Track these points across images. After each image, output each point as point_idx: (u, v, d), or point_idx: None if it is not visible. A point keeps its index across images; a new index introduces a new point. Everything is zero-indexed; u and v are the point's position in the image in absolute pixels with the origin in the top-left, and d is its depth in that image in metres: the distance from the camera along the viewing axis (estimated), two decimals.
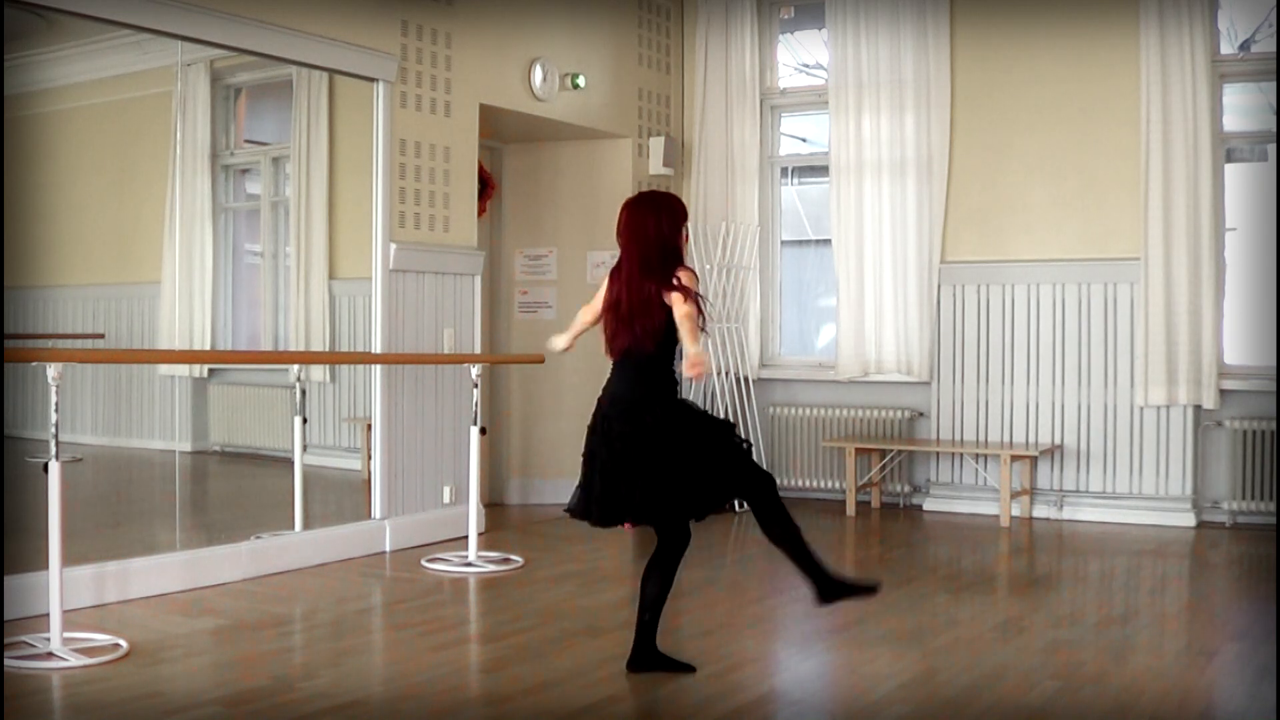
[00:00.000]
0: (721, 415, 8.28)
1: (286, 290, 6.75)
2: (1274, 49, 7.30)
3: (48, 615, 4.57)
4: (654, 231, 4.26)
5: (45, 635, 4.56)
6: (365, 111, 6.64)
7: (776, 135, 8.93)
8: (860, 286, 8.27)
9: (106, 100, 6.08)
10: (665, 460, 4.14)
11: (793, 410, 8.60)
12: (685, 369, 4.13)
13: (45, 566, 4.58)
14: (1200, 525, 7.53)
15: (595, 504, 4.23)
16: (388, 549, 6.66)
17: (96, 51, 5.82)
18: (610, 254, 4.64)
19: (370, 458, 6.73)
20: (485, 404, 7.03)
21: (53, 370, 4.48)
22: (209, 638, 4.89)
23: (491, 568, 6.25)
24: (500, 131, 8.09)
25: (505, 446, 8.46)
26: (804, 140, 9.20)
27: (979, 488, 8.05)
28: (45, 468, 4.49)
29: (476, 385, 6.44)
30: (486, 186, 8.12)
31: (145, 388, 6.20)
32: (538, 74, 7.58)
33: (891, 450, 8.22)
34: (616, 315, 4.26)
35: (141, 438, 6.20)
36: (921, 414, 8.25)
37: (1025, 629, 5.08)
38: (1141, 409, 7.64)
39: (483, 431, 6.50)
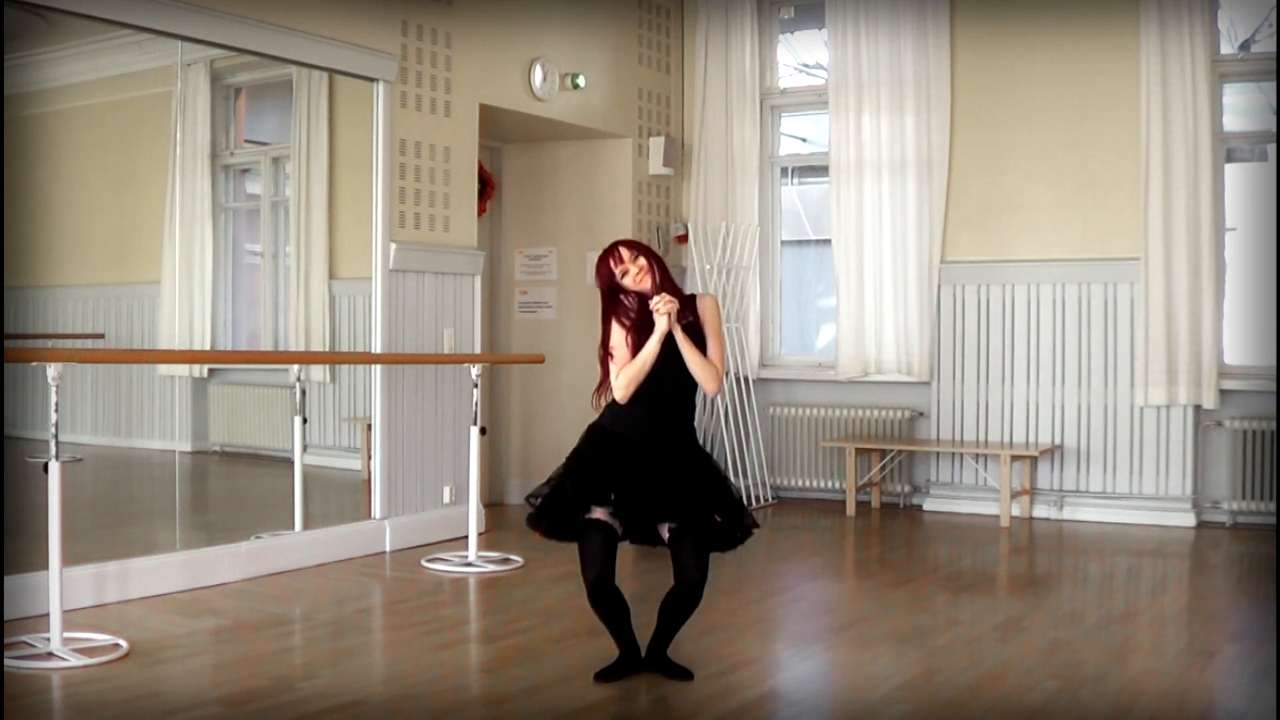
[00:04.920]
0: (721, 415, 8.29)
1: (286, 290, 6.75)
2: (1274, 49, 7.30)
3: (48, 615, 4.57)
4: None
5: (45, 635, 4.56)
6: (365, 111, 6.64)
7: (776, 135, 8.93)
8: (860, 286, 8.27)
9: (106, 100, 6.08)
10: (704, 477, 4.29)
11: (793, 410, 8.60)
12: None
13: (45, 566, 4.58)
14: (1200, 525, 7.52)
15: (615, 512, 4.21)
16: (388, 549, 6.66)
17: (96, 51, 5.82)
18: None
19: (370, 458, 6.73)
20: (485, 404, 7.03)
21: (53, 370, 4.48)
22: (209, 638, 4.89)
23: (491, 568, 6.25)
24: (500, 131, 8.09)
25: (505, 446, 8.46)
26: (804, 140, 9.20)
27: (979, 488, 8.05)
28: (45, 468, 4.49)
29: (476, 385, 6.44)
30: (486, 186, 8.12)
31: (145, 388, 6.20)
32: (538, 74, 7.58)
33: (891, 450, 8.22)
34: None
35: (141, 438, 6.20)
36: (921, 414, 8.25)
37: (1025, 629, 5.07)
38: (1141, 409, 7.64)
39: (483, 431, 6.50)
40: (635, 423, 4.26)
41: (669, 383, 4.27)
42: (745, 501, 4.40)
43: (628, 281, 4.30)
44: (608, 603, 4.25)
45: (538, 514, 4.27)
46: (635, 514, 4.19)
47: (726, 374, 8.34)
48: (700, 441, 4.43)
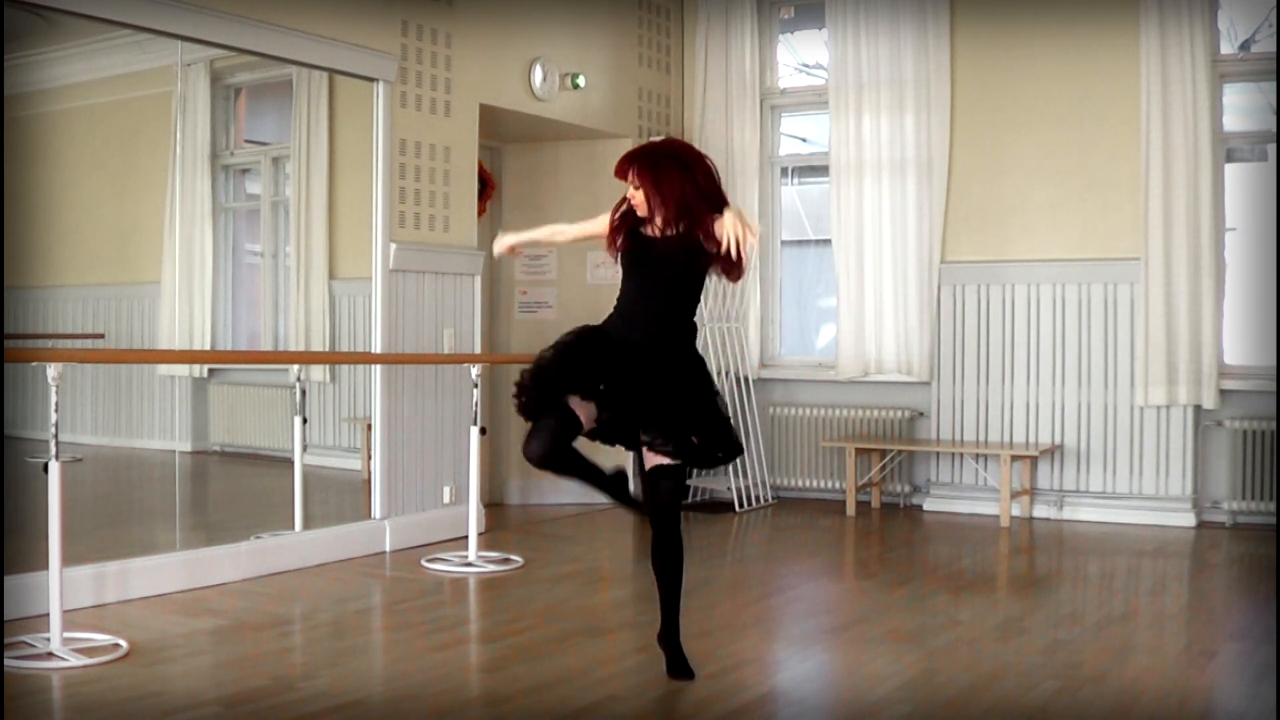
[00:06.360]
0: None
1: (286, 290, 6.75)
2: (1274, 49, 7.30)
3: (48, 615, 4.57)
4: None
5: (45, 635, 4.56)
6: (365, 111, 6.64)
7: (776, 135, 8.93)
8: (860, 286, 8.27)
9: (106, 100, 6.08)
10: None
11: (793, 410, 8.60)
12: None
13: (45, 566, 4.58)
14: (1200, 525, 7.53)
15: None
16: (388, 549, 6.66)
17: (96, 51, 5.82)
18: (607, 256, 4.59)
19: (370, 458, 6.73)
20: (485, 404, 7.03)
21: (53, 370, 4.48)
22: (209, 638, 4.89)
23: (491, 568, 6.25)
24: (500, 131, 8.09)
25: (505, 446, 8.46)
26: (804, 140, 9.20)
27: (979, 488, 8.05)
28: (45, 468, 4.48)
29: (476, 385, 6.44)
30: (486, 186, 8.12)
31: (145, 388, 6.20)
32: (538, 74, 7.58)
33: (891, 450, 8.22)
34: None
35: (141, 438, 6.20)
36: (921, 414, 8.25)
37: (1025, 629, 5.07)
38: (1141, 409, 7.64)
39: (483, 431, 6.49)
40: (634, 326, 4.18)
41: (671, 289, 4.19)
42: (730, 424, 4.31)
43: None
44: (563, 462, 4.13)
45: (526, 387, 4.12)
46: (620, 412, 4.09)
47: (726, 373, 8.35)
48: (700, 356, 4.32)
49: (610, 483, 4.30)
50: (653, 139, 4.37)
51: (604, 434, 4.19)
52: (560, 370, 4.11)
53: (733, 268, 4.14)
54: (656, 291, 4.20)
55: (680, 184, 4.14)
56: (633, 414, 4.12)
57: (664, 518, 4.23)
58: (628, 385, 4.11)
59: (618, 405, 4.10)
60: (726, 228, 3.94)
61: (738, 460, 8.27)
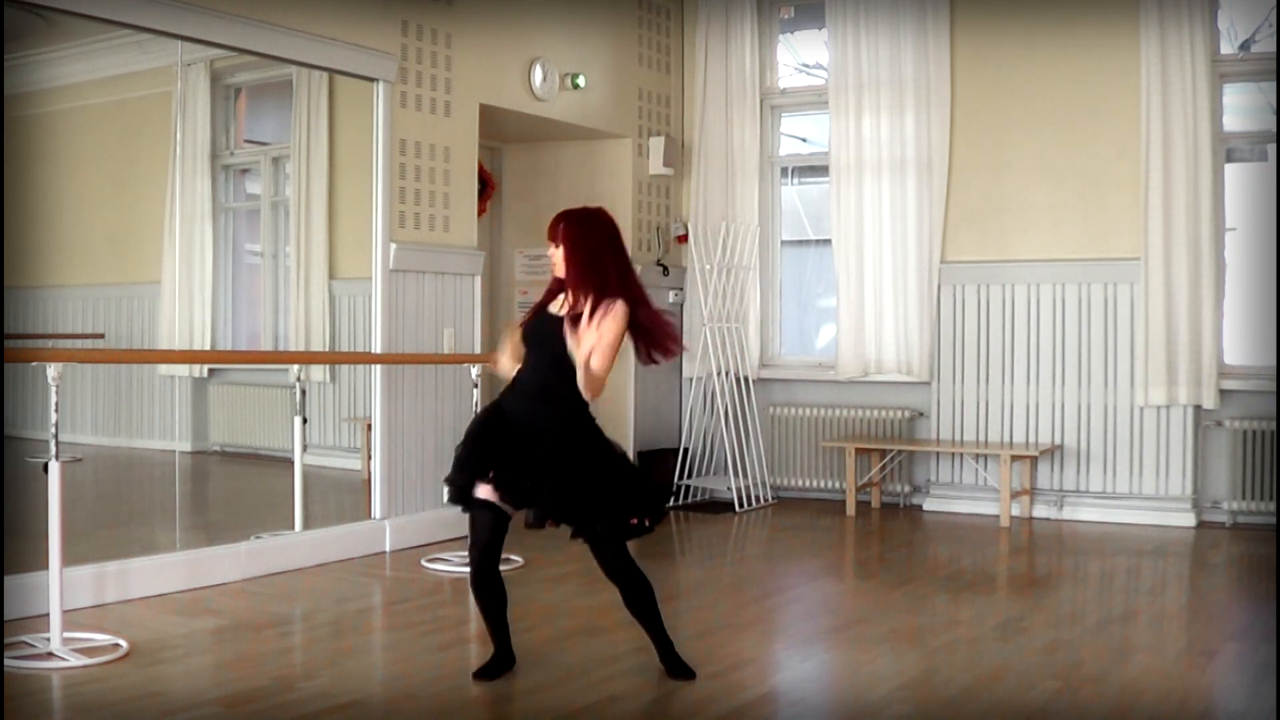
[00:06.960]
0: (722, 415, 8.29)
1: (286, 290, 6.75)
2: (1274, 49, 7.30)
3: (48, 615, 4.57)
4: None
5: (45, 635, 4.56)
6: (365, 111, 6.64)
7: (776, 135, 8.93)
8: (860, 286, 8.27)
9: (106, 100, 6.08)
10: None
11: (793, 410, 8.60)
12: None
13: (45, 566, 4.58)
14: (1200, 525, 7.52)
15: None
16: (388, 549, 6.66)
17: (96, 51, 5.83)
18: None
19: (370, 458, 6.73)
20: (485, 404, 7.02)
21: (53, 370, 4.48)
22: (209, 638, 4.89)
23: None
24: (500, 131, 8.09)
25: None
26: (804, 140, 9.20)
27: (979, 488, 8.05)
28: (45, 468, 4.49)
29: (476, 385, 6.44)
30: (486, 186, 8.12)
31: (145, 388, 6.20)
32: (538, 74, 7.58)
33: (891, 450, 8.22)
34: None
35: (141, 438, 6.20)
36: (921, 414, 8.25)
37: (1025, 629, 5.08)
38: (1141, 409, 7.64)
39: None
40: (521, 400, 4.23)
41: (555, 369, 4.16)
42: (640, 490, 4.23)
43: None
44: (486, 588, 4.25)
45: (451, 490, 4.24)
46: (513, 492, 4.13)
47: (726, 373, 8.34)
48: (593, 424, 4.25)
49: (499, 651, 4.37)
50: (586, 206, 4.44)
51: (523, 506, 4.17)
52: (459, 465, 4.22)
53: (655, 349, 4.22)
54: (542, 369, 4.21)
55: (599, 249, 4.22)
56: (528, 492, 4.13)
57: (604, 562, 4.24)
58: (516, 466, 4.13)
59: (510, 487, 4.13)
60: (583, 345, 4.06)
61: (737, 460, 8.29)
